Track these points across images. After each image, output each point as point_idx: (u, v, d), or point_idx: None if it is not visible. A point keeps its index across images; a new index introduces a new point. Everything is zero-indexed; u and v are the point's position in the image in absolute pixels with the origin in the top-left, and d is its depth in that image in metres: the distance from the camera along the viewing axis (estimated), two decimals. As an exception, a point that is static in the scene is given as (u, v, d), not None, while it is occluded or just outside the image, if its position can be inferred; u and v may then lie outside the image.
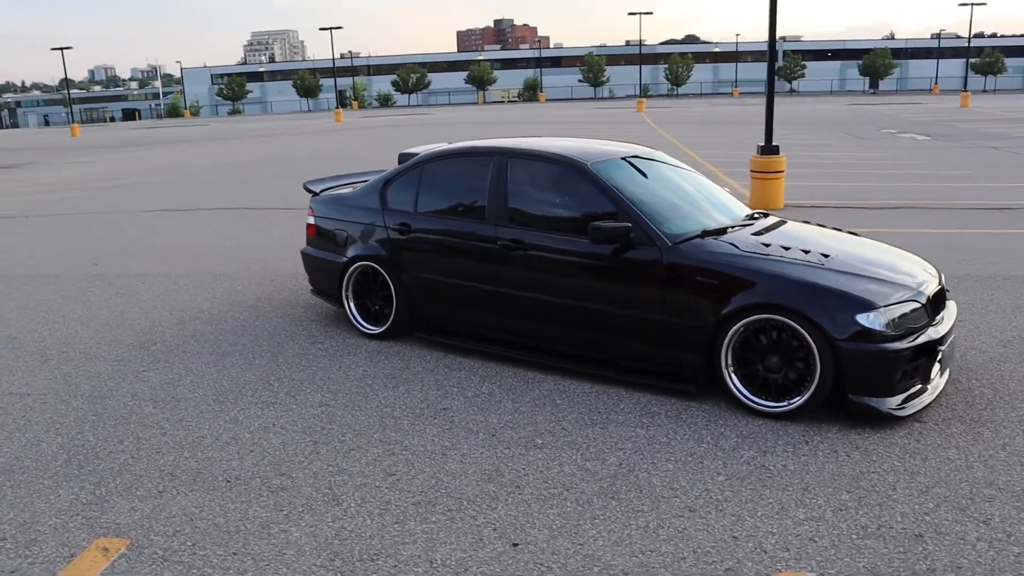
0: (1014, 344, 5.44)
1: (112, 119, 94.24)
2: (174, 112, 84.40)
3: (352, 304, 6.15)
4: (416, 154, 6.05)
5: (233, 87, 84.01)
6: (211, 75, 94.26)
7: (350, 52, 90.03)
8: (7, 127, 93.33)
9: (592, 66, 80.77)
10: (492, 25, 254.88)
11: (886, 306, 4.16)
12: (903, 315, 4.19)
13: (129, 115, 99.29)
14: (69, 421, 4.72)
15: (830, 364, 4.13)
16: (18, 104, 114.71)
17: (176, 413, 4.80)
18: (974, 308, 6.33)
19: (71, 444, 4.40)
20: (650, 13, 52.57)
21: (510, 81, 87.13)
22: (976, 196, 12.49)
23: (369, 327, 6.06)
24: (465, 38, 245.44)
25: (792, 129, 29.61)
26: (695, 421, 4.40)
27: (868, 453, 3.93)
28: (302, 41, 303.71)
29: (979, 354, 5.28)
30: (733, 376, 4.44)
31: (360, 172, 7.28)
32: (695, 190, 5.61)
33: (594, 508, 3.55)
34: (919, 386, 4.31)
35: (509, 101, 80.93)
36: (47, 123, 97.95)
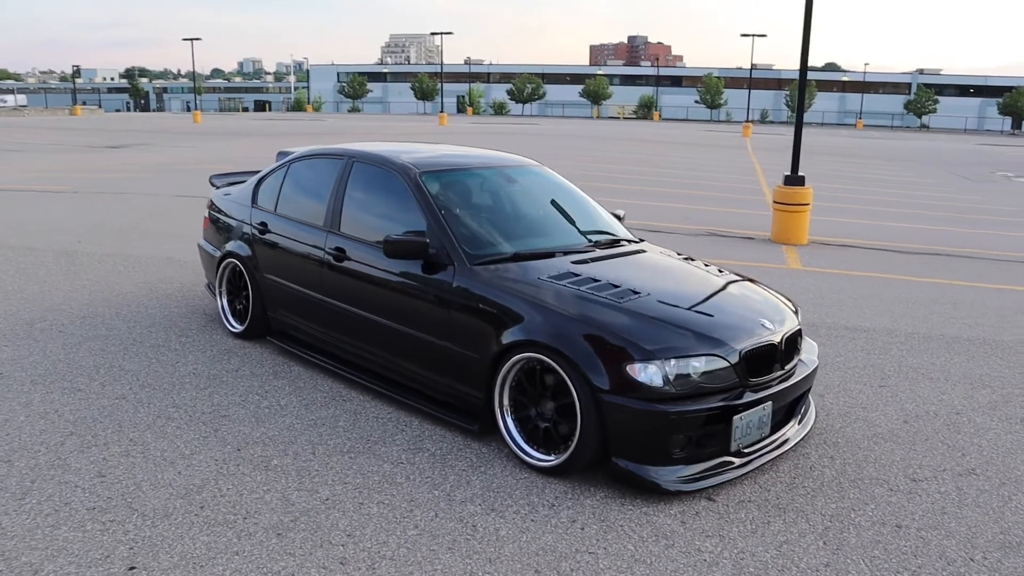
0: (918, 422, 4.66)
1: (245, 109, 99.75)
2: (298, 106, 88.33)
3: (223, 300, 6.03)
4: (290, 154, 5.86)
5: (354, 86, 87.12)
6: (337, 73, 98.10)
7: (468, 59, 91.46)
8: (153, 110, 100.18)
9: (710, 87, 78.79)
10: (626, 41, 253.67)
11: (672, 359, 3.57)
12: (700, 373, 3.60)
13: (260, 106, 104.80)
14: None
15: (593, 418, 3.61)
16: (164, 90, 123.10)
17: (-26, 388, 4.78)
18: (915, 371, 5.51)
19: None
20: (763, 35, 50.67)
21: (627, 98, 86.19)
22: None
23: (234, 325, 5.91)
24: (598, 53, 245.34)
25: (898, 165, 27.77)
26: (456, 464, 3.97)
27: (609, 529, 3.40)
28: (437, 45, 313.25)
29: (866, 426, 4.55)
30: (508, 419, 3.99)
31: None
32: (564, 211, 5.17)
33: (245, 543, 3.22)
34: (722, 458, 3.72)
35: (624, 118, 80.00)
36: (188, 109, 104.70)
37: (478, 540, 3.30)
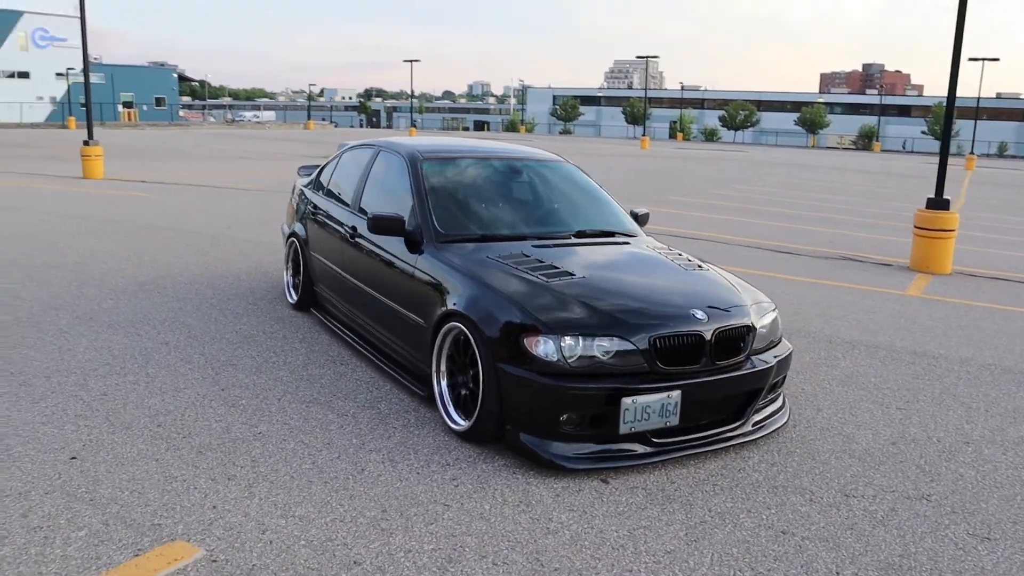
0: (908, 445, 4.21)
1: (466, 128, 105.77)
2: (512, 127, 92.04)
3: (287, 275, 6.72)
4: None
5: (566, 108, 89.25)
6: (553, 96, 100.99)
7: (682, 84, 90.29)
8: (383, 127, 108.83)
9: (939, 117, 71.82)
10: (860, 69, 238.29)
11: (570, 336, 3.61)
12: (605, 353, 3.61)
13: (480, 126, 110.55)
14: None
15: (493, 387, 3.73)
16: (395, 109, 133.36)
17: (31, 330, 5.78)
18: (954, 399, 4.96)
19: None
20: (996, 59, 45.32)
21: (847, 127, 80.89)
22: None
23: (292, 297, 6.58)
24: (829, 81, 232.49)
25: None
26: (394, 423, 4.24)
27: (481, 490, 3.50)
28: (660, 72, 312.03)
29: (841, 441, 4.21)
30: (442, 384, 4.20)
31: None
32: (565, 203, 5.29)
33: (169, 454, 3.72)
34: (627, 444, 3.67)
35: (843, 148, 75.14)
36: (414, 126, 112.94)
37: (355, 480, 3.55)
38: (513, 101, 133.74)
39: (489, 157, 5.45)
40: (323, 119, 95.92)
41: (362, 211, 5.35)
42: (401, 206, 4.94)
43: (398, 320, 4.64)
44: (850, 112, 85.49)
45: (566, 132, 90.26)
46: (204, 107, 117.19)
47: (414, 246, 4.60)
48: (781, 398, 4.46)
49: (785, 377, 4.39)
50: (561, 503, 3.41)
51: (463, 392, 4.03)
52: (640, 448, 3.71)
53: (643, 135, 53.15)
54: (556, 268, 4.15)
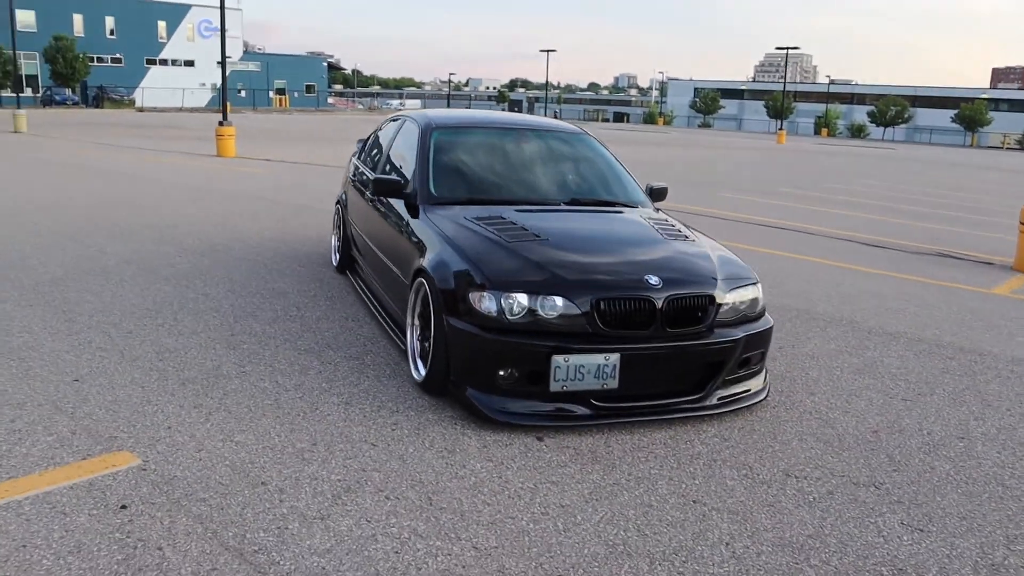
0: (892, 436, 3.93)
1: (606, 120, 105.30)
2: (650, 119, 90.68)
3: (333, 239, 7.10)
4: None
5: (706, 101, 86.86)
6: (694, 88, 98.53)
7: (829, 78, 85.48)
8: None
9: None
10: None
11: (515, 293, 3.68)
12: (548, 312, 3.64)
13: (619, 118, 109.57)
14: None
15: (442, 339, 3.86)
16: (536, 99, 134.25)
17: (98, 278, 6.40)
18: (973, 393, 4.59)
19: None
20: None
21: (1016, 126, 73.96)
22: None
23: (334, 260, 6.95)
24: (1002, 76, 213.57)
25: None
26: (368, 372, 4.45)
27: (416, 436, 3.64)
28: (815, 66, 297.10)
29: (817, 425, 4.02)
30: (412, 336, 4.36)
31: None
32: (571, 172, 5.33)
33: (147, 379, 4.10)
34: (563, 404, 3.70)
35: (1007, 148, 68.87)
36: (556, 117, 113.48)
37: (304, 417, 3.78)
38: (655, 93, 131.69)
39: (503, 127, 5.55)
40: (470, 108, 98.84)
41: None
42: (412, 171, 5.13)
43: (392, 278, 4.85)
44: (1019, 109, 78.10)
45: (705, 125, 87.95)
46: (354, 95, 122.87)
47: (412, 209, 4.78)
48: (762, 376, 4.32)
49: (763, 354, 4.24)
50: (483, 454, 3.50)
51: (425, 344, 4.18)
52: (580, 410, 3.72)
53: (780, 129, 50.93)
54: (525, 230, 4.21)
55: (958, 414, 4.37)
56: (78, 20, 58.33)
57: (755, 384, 4.24)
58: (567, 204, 4.91)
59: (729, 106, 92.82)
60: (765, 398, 4.27)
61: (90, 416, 3.69)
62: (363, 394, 4.13)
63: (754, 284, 4.23)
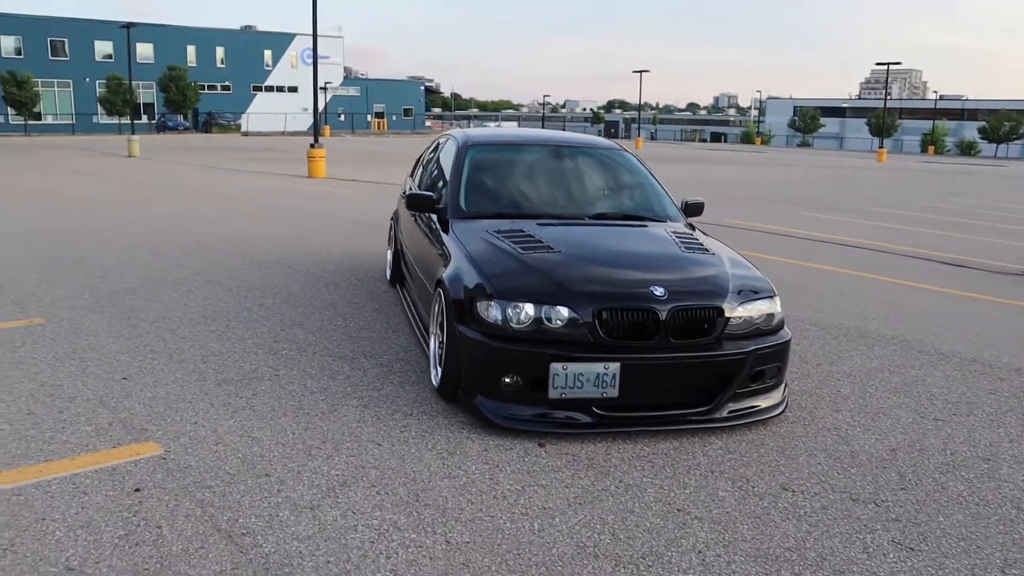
0: (911, 454, 3.82)
1: (703, 140, 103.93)
2: (747, 139, 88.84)
3: (388, 253, 7.39)
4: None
5: (805, 120, 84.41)
6: (794, 107, 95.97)
7: (937, 93, 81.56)
8: (620, 137, 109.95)
9: None
10: None
11: (520, 303, 3.79)
12: (553, 321, 3.75)
13: (716, 138, 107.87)
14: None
15: (454, 346, 4.01)
16: (632, 120, 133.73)
17: (167, 288, 6.86)
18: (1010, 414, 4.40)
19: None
20: None
21: None
22: None
23: (388, 274, 7.23)
24: None
25: None
26: (391, 376, 4.64)
27: (423, 436, 3.79)
28: (924, 81, 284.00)
29: (834, 441, 3.95)
30: (433, 343, 4.51)
31: None
32: (601, 188, 5.42)
33: (192, 383, 4.41)
34: (568, 412, 3.78)
35: None
36: (652, 138, 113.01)
37: (321, 418, 3.99)
38: (754, 113, 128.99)
39: (538, 144, 5.68)
40: (563, 130, 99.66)
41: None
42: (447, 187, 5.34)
43: (423, 288, 5.05)
44: None
45: (804, 144, 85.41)
46: (452, 117, 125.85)
47: (444, 223, 4.97)
48: (779, 391, 4.26)
49: (779, 368, 4.19)
50: (482, 457, 3.61)
51: (443, 352, 4.34)
52: (582, 418, 3.79)
53: (880, 147, 48.94)
54: (540, 243, 4.32)
55: (991, 435, 4.18)
56: (191, 51, 62.26)
57: (771, 399, 4.19)
58: (593, 218, 4.99)
59: (830, 124, 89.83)
60: (781, 413, 4.22)
61: (129, 410, 4.01)
62: (383, 398, 4.32)
63: (770, 298, 4.20)
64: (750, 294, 4.12)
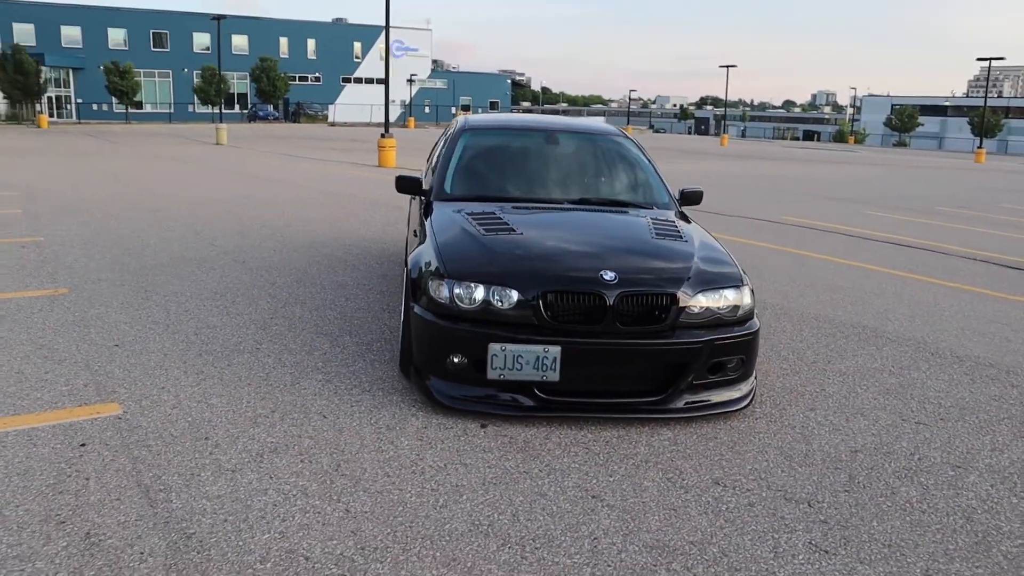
0: (873, 456, 3.64)
1: (795, 138, 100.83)
2: (840, 138, 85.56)
3: (407, 236, 7.50)
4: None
5: (902, 118, 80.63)
6: (891, 105, 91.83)
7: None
8: (711, 134, 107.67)
9: None
10: None
11: (469, 283, 3.79)
12: (501, 302, 3.73)
13: (809, 136, 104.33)
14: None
15: (407, 322, 4.08)
16: (723, 116, 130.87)
17: (192, 266, 7.14)
18: (974, 412, 4.16)
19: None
20: None
21: None
22: None
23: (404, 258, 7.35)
24: None
25: None
26: (368, 356, 4.73)
27: (374, 410, 3.86)
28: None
29: (795, 441, 3.82)
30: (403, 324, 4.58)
31: None
32: (590, 173, 5.38)
33: (189, 353, 4.62)
34: (517, 394, 3.78)
35: None
36: (743, 135, 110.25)
37: (281, 390, 4.12)
38: (850, 111, 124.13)
39: (536, 129, 5.67)
40: (649, 125, 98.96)
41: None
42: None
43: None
44: None
45: (900, 144, 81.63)
46: (541, 111, 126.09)
47: (427, 205, 5.03)
48: (744, 384, 4.13)
49: (743, 360, 4.06)
50: (418, 434, 3.65)
51: (403, 331, 4.41)
52: (524, 400, 3.78)
53: (979, 148, 46.28)
54: (505, 225, 4.33)
55: (973, 443, 3.95)
56: (284, 43, 64.51)
57: (733, 392, 4.07)
58: (573, 203, 4.95)
59: (930, 124, 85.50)
60: (745, 407, 4.09)
61: (108, 374, 4.24)
62: (349, 374, 4.41)
63: (735, 288, 4.07)
64: (713, 283, 4.01)
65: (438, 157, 5.92)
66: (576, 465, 3.44)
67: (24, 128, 42.88)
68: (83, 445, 3.37)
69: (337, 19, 74.08)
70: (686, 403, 3.92)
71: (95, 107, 56.88)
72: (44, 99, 51.88)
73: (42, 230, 8.77)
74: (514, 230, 4.26)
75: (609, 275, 3.81)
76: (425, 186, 5.30)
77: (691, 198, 5.40)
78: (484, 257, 3.98)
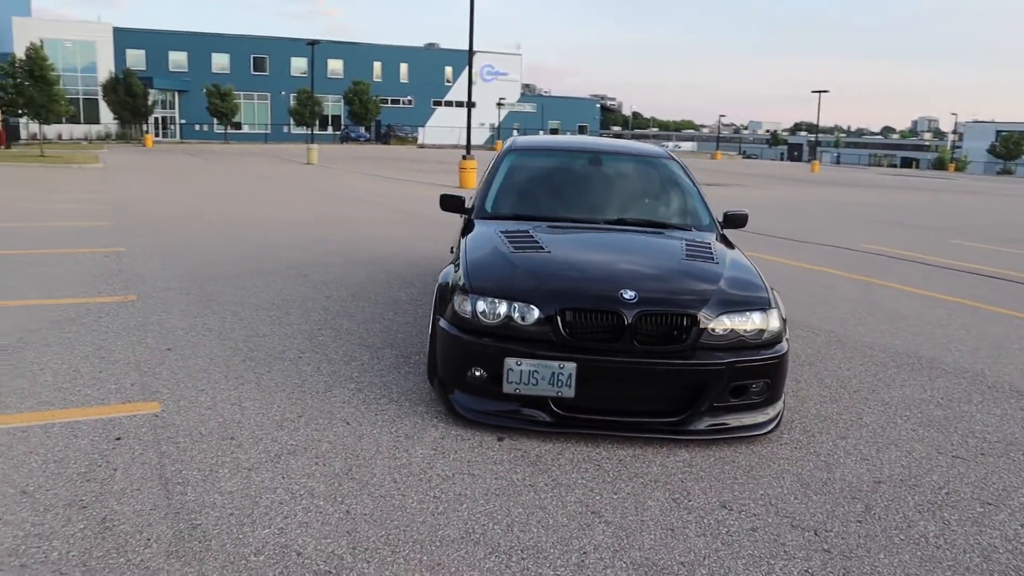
0: (896, 487, 3.52)
1: (893, 165, 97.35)
2: (939, 165, 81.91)
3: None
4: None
5: (1007, 145, 76.52)
6: (996, 131, 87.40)
7: None
8: (804, 160, 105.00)
9: None
10: None
11: (491, 298, 3.87)
12: (522, 319, 3.80)
13: (906, 163, 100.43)
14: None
15: (433, 335, 4.19)
16: (817, 143, 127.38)
17: (252, 277, 7.47)
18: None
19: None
20: None
21: None
22: None
23: (457, 274, 7.51)
24: None
25: None
26: (403, 368, 4.87)
27: (397, 419, 3.98)
28: None
29: (819, 470, 3.74)
30: (436, 339, 4.69)
31: None
32: (633, 195, 5.39)
33: (219, 353, 4.87)
34: (531, 410, 3.83)
35: None
36: (837, 162, 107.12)
37: (313, 397, 4.29)
38: (952, 137, 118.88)
39: (582, 151, 5.72)
40: (739, 151, 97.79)
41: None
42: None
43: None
44: None
45: (1005, 172, 77.46)
46: (631, 136, 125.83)
47: (469, 224, 5.16)
48: (771, 408, 4.05)
49: (769, 385, 3.98)
50: (435, 444, 3.74)
51: (433, 344, 4.52)
52: (541, 415, 3.82)
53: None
54: (535, 243, 4.40)
55: (1012, 480, 3.75)
56: (377, 67, 66.77)
57: (757, 416, 4.00)
58: (610, 223, 4.98)
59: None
60: (769, 432, 4.01)
61: (155, 375, 4.51)
62: (382, 384, 4.55)
63: (763, 311, 4.01)
64: (738, 306, 3.96)
65: (484, 176, 6.06)
66: (583, 481, 3.45)
67: (131, 147, 45.75)
68: (118, 439, 3.61)
69: (429, 44, 76.16)
70: (708, 425, 3.88)
71: (197, 127, 60.22)
72: (150, 119, 55.15)
73: (125, 241, 9.37)
74: (542, 248, 4.33)
75: (629, 294, 3.82)
76: (468, 204, 5.43)
77: (735, 220, 5.34)
78: (508, 274, 4.06)
